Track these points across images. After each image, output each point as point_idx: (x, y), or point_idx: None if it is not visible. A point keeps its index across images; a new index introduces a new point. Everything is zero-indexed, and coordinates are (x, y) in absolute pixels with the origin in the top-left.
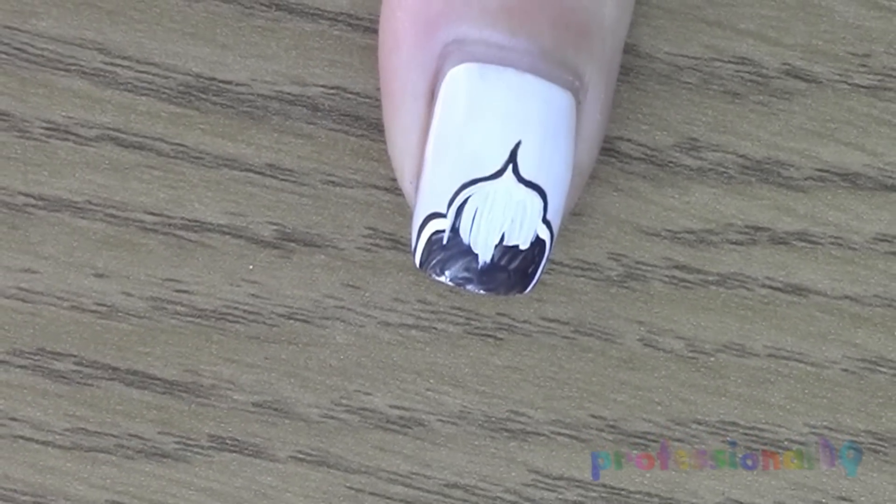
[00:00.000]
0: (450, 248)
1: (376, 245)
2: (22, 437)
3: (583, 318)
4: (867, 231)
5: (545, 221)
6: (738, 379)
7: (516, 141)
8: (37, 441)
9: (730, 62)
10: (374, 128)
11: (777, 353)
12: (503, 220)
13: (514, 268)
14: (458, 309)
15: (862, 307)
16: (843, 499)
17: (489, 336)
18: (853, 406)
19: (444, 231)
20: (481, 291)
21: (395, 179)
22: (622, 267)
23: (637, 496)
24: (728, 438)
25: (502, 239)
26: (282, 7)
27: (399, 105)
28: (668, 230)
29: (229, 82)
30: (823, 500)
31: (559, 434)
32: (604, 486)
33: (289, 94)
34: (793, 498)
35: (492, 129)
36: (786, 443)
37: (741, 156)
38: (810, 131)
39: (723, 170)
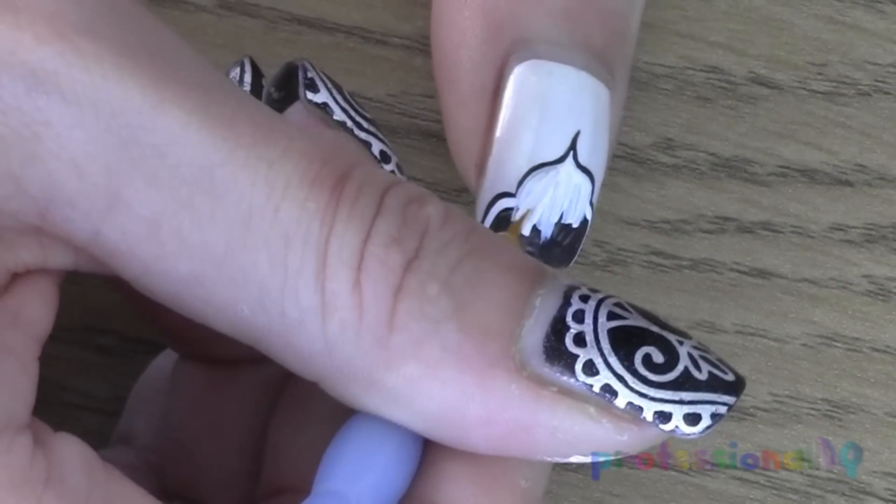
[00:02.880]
0: None
1: None
2: (70, 404)
3: None
4: (824, 221)
5: (590, 203)
6: None
7: (576, 131)
8: (83, 407)
9: (701, 70)
10: (384, 129)
11: (743, 329)
12: (563, 200)
13: (567, 244)
14: None
15: (819, 289)
16: (803, 460)
17: None
18: (811, 377)
19: (511, 209)
20: None
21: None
22: (605, 253)
23: None
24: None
25: (561, 217)
26: (302, 22)
27: (467, 96)
28: (647, 220)
29: None
30: (785, 461)
31: None
32: None
33: None
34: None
35: (557, 120)
36: (751, 409)
37: (712, 154)
38: (773, 132)
39: (695, 166)
